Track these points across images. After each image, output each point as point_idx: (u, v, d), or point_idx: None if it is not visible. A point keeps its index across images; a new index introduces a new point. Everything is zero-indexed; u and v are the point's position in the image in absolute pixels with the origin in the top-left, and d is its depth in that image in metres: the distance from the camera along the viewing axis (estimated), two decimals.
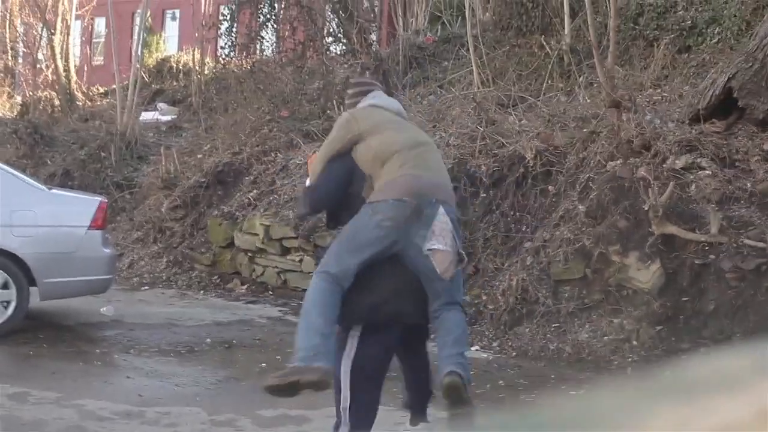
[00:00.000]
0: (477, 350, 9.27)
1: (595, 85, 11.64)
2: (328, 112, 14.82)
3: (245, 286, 12.95)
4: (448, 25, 16.12)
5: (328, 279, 4.85)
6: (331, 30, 17.02)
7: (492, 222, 10.93)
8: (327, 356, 4.60)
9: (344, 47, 16.52)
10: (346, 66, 16.21)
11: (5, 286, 9.63)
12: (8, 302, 9.62)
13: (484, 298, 10.33)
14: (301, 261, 12.43)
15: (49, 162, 18.49)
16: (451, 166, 11.35)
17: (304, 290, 12.17)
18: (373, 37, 17.66)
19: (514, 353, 8.88)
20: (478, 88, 12.50)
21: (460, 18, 15.09)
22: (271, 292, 12.69)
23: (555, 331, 9.33)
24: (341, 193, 5.54)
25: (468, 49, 13.06)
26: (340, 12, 15.82)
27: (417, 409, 5.53)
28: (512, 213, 10.92)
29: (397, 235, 4.88)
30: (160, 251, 14.41)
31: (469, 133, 11.62)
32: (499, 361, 8.87)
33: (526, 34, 13.14)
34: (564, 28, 12.85)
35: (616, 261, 9.46)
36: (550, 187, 10.74)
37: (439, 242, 4.99)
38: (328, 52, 16.92)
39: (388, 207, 5.04)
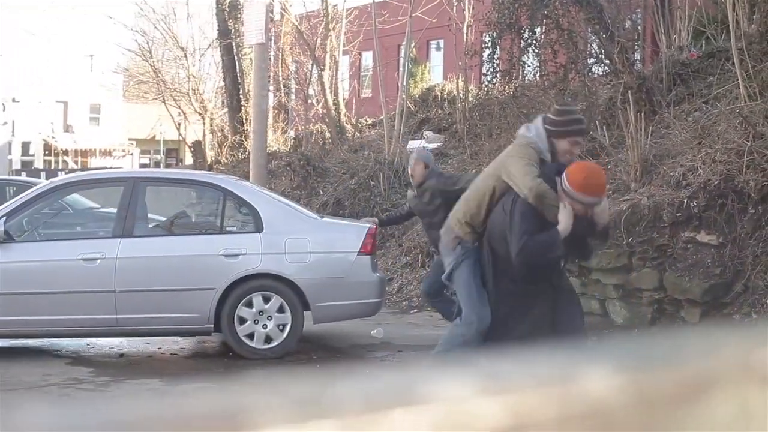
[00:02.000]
0: None
1: None
2: (592, 133, 14.75)
3: None
4: (712, 39, 15.76)
5: None
6: (593, 51, 16.94)
7: (761, 238, 10.62)
8: None
9: (606, 68, 16.40)
10: (608, 87, 16.10)
11: (281, 310, 10.11)
12: (284, 325, 10.10)
13: (755, 316, 10.05)
14: None
15: (321, 192, 19.20)
16: (718, 182, 11.13)
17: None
18: (636, 55, 17.45)
19: None
20: (745, 101, 12.16)
21: (724, 31, 14.73)
22: None
23: None
24: None
25: (733, 63, 12.74)
26: (601, 33, 15.71)
27: None
28: None
29: None
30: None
31: (735, 148, 11.33)
32: None
33: None
34: None
35: None
36: None
37: None
38: (590, 74, 16.84)
39: None
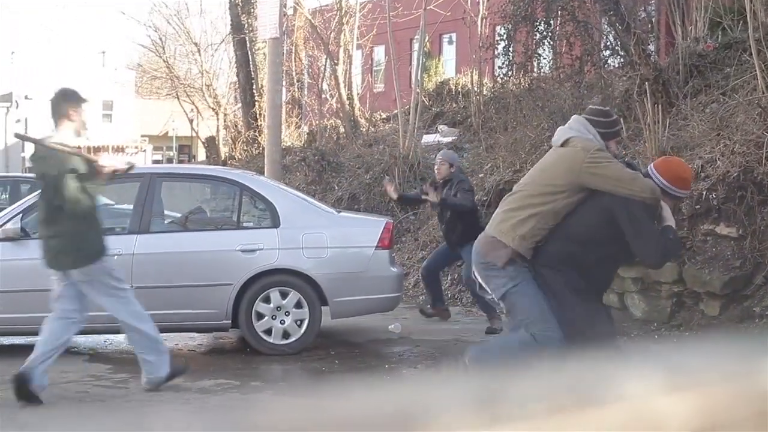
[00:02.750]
0: None
1: None
2: None
3: None
4: (729, 30, 15.62)
5: None
6: (609, 43, 16.85)
7: None
8: None
9: (622, 60, 16.32)
10: (624, 78, 16.01)
11: (299, 305, 10.07)
12: (302, 320, 10.06)
13: None
14: None
15: (336, 187, 19.15)
16: (737, 174, 11.05)
17: None
18: (652, 47, 17.35)
19: None
20: (763, 92, 12.06)
21: (741, 22, 14.61)
22: None
23: None
24: None
25: (751, 54, 12.65)
26: (617, 24, 15.63)
27: None
28: None
29: None
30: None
31: (754, 139, 11.26)
32: None
33: None
34: None
35: None
36: None
37: None
38: (606, 66, 16.76)
39: None
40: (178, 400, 8.20)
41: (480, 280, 6.67)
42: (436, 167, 11.76)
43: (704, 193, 11.31)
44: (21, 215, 10.11)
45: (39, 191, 8.39)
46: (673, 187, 6.31)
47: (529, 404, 0.83)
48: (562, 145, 6.56)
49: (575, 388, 0.88)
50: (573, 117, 6.80)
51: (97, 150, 60.07)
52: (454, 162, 11.59)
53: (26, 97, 57.02)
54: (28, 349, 10.41)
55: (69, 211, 7.83)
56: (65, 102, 8.09)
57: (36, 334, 10.27)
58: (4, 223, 10.06)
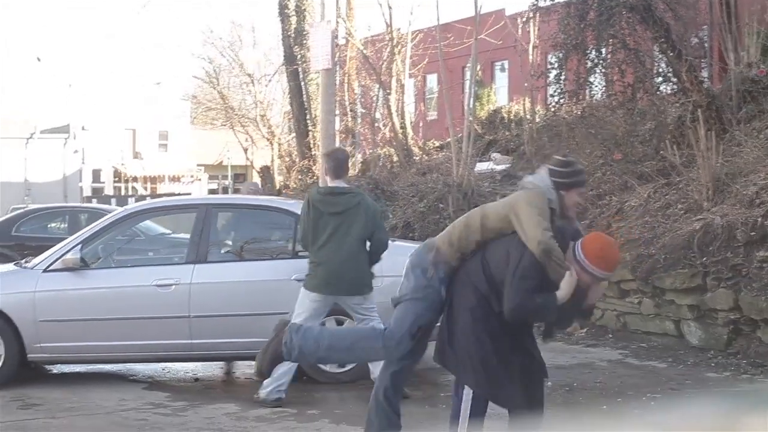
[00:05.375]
0: None
1: None
2: (662, 152, 14.65)
3: (584, 330, 12.98)
4: None
5: None
6: (660, 70, 16.83)
7: None
8: None
9: (674, 86, 16.30)
10: (677, 105, 16.00)
11: None
12: None
13: None
14: (639, 303, 12.37)
15: (390, 215, 19.22)
16: None
17: (644, 333, 12.12)
18: (704, 73, 17.31)
19: None
20: None
21: None
22: (610, 335, 12.66)
23: None
24: None
25: None
26: (669, 51, 15.63)
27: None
28: None
29: None
30: None
31: None
32: None
33: None
34: None
35: None
36: None
37: None
38: (658, 93, 16.74)
39: None
40: (236, 428, 8.32)
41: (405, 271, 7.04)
42: None
43: (759, 219, 11.27)
44: (81, 245, 10.29)
45: (337, 223, 9.28)
46: (589, 264, 5.98)
47: None
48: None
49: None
50: (542, 165, 6.84)
51: (153, 179, 60.66)
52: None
53: (83, 128, 57.85)
54: (89, 377, 10.62)
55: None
56: (347, 160, 9.68)
57: (92, 362, 10.50)
58: (65, 254, 10.25)
